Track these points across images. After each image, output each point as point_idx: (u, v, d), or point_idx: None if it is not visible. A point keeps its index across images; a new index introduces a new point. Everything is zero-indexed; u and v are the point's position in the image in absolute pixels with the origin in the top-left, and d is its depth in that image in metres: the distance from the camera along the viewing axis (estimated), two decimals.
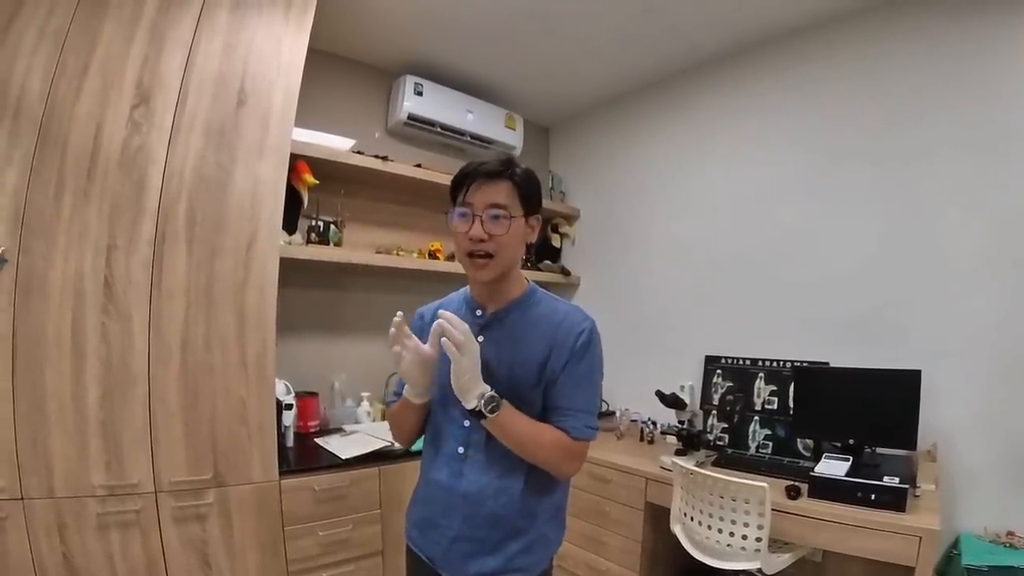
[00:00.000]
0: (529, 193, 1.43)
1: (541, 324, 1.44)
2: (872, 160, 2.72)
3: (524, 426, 1.37)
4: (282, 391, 2.62)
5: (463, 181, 1.40)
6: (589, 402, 1.44)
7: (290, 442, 2.70)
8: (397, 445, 2.63)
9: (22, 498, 1.87)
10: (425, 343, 1.41)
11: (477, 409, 1.31)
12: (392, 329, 1.38)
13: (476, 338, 1.39)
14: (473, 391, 1.31)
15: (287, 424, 2.67)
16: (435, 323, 1.33)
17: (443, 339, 1.29)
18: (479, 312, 1.49)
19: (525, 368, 1.41)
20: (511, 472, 1.41)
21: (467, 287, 1.57)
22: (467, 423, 1.43)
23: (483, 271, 1.40)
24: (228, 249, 2.27)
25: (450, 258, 3.46)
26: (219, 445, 2.23)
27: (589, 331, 1.42)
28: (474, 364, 1.31)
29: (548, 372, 1.40)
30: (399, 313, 1.38)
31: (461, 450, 1.45)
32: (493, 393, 1.33)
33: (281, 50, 2.43)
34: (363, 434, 2.90)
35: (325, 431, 3.01)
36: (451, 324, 1.30)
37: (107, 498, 2.01)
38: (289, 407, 2.68)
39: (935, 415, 2.37)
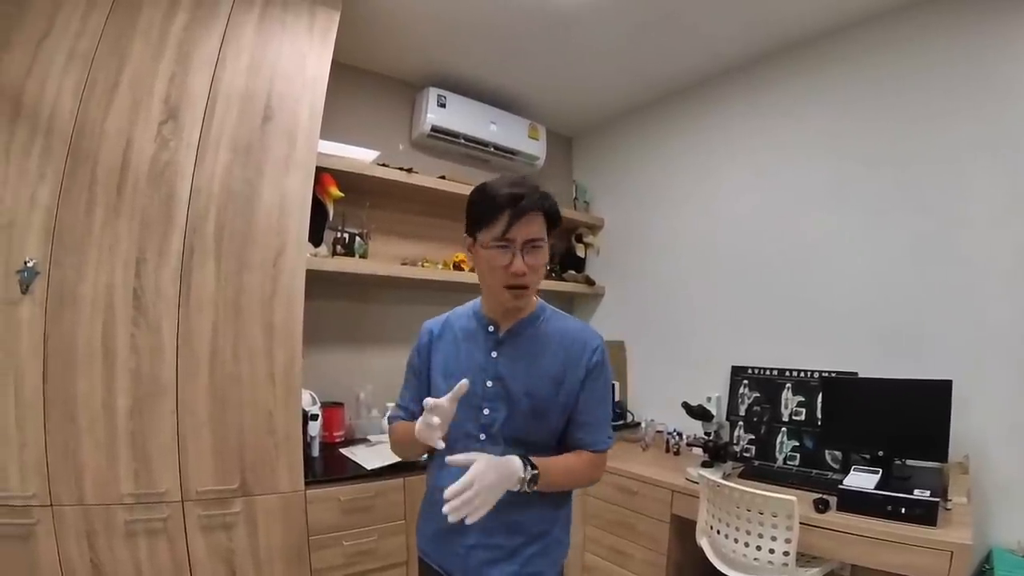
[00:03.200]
0: (555, 220, 1.47)
1: (554, 341, 1.50)
2: (900, 166, 2.68)
3: (559, 472, 1.44)
4: (308, 402, 2.64)
5: (498, 213, 1.37)
6: (607, 415, 1.55)
7: (316, 452, 2.72)
8: (424, 456, 2.65)
9: (52, 505, 1.91)
10: (433, 356, 1.55)
11: (522, 490, 1.34)
12: (436, 433, 1.34)
13: (490, 354, 1.48)
14: (512, 483, 1.33)
15: (313, 434, 2.69)
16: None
17: (464, 496, 1.24)
18: (491, 328, 1.53)
19: (542, 382, 1.46)
20: None
21: (475, 301, 1.61)
22: (483, 436, 1.47)
23: (521, 300, 1.46)
24: (255, 262, 2.31)
25: (474, 270, 3.45)
26: (246, 455, 2.26)
27: (602, 349, 1.52)
28: (496, 480, 1.29)
29: (566, 386, 1.46)
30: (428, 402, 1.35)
31: None
32: (529, 473, 1.35)
33: (306, 65, 2.47)
34: (388, 444, 2.90)
35: (351, 441, 3.03)
36: (456, 494, 1.24)
37: (135, 506, 2.04)
38: (315, 417, 2.70)
39: (966, 426, 2.31)
